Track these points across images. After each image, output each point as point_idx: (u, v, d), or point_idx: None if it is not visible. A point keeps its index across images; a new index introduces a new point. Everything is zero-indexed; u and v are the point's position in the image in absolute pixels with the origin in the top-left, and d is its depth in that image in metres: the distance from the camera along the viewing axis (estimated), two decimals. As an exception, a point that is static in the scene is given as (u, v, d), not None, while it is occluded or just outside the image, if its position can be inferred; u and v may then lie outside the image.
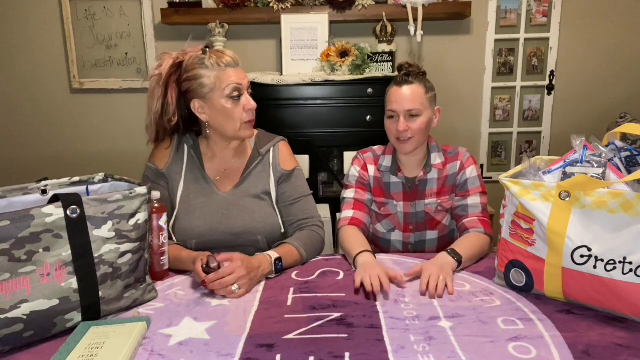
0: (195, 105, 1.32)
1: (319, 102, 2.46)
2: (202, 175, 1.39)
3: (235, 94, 1.29)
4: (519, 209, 1.06)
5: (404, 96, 1.39)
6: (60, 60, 2.84)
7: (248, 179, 1.40)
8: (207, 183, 1.38)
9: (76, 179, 1.12)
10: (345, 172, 1.73)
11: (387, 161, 1.51)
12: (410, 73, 1.42)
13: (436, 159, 1.48)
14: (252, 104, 1.32)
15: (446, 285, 1.12)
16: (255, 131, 1.45)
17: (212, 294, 1.12)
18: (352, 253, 1.28)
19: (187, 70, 1.30)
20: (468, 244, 1.30)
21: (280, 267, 1.22)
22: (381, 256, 1.37)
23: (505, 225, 1.11)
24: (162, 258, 1.22)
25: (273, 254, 1.23)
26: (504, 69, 2.85)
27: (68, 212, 0.93)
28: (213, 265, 1.11)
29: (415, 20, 2.54)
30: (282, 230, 1.39)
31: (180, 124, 1.36)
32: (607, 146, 1.10)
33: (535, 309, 1.02)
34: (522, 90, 2.88)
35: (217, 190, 1.38)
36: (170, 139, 1.41)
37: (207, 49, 1.31)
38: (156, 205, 1.19)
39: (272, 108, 2.45)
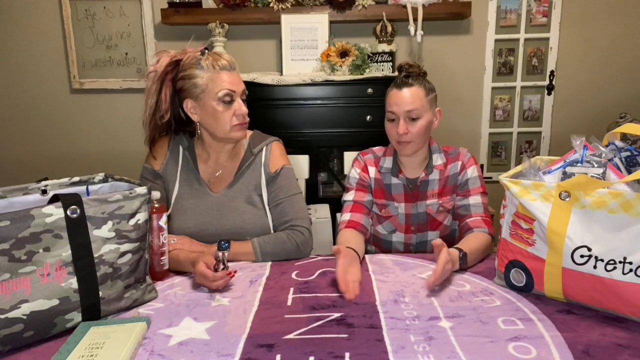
0: (188, 105, 1.33)
1: (319, 102, 2.46)
2: (196, 176, 1.39)
3: (227, 98, 1.29)
4: (519, 209, 1.06)
5: (404, 98, 1.38)
6: (60, 60, 2.84)
7: (241, 180, 1.40)
8: (201, 184, 1.39)
9: (76, 179, 1.13)
10: (346, 172, 1.73)
11: (387, 162, 1.51)
12: (411, 75, 1.40)
13: (437, 159, 1.48)
14: (244, 110, 1.32)
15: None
16: (250, 132, 1.44)
17: (212, 294, 1.13)
18: None
19: (183, 69, 1.31)
20: (475, 246, 1.28)
21: (224, 246, 1.14)
22: (382, 256, 1.37)
23: (505, 225, 1.11)
24: (162, 258, 1.22)
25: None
26: (504, 69, 2.85)
27: (68, 212, 0.93)
28: (222, 266, 1.12)
29: (415, 20, 2.54)
30: (272, 232, 1.38)
31: (172, 123, 1.37)
32: (607, 146, 1.10)
33: (535, 309, 1.02)
34: (522, 90, 2.88)
35: (209, 191, 1.38)
36: (165, 140, 1.42)
37: (207, 50, 1.32)
38: (156, 205, 1.19)
39: (272, 108, 2.45)
